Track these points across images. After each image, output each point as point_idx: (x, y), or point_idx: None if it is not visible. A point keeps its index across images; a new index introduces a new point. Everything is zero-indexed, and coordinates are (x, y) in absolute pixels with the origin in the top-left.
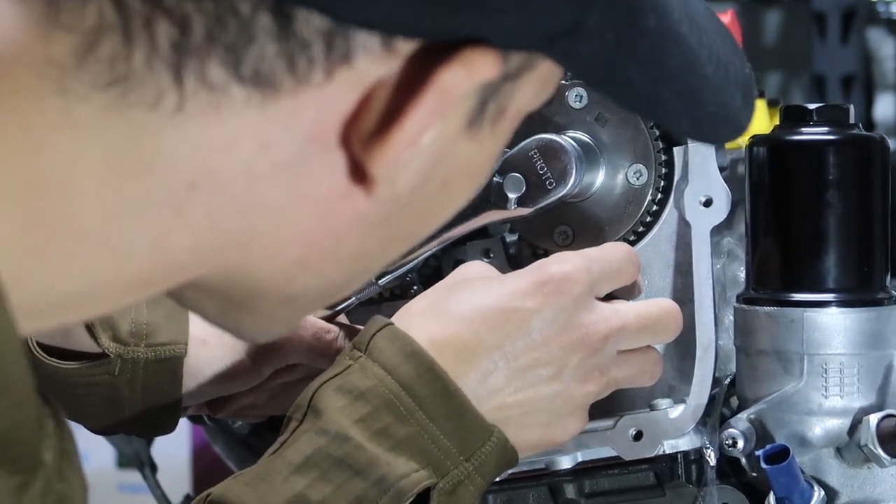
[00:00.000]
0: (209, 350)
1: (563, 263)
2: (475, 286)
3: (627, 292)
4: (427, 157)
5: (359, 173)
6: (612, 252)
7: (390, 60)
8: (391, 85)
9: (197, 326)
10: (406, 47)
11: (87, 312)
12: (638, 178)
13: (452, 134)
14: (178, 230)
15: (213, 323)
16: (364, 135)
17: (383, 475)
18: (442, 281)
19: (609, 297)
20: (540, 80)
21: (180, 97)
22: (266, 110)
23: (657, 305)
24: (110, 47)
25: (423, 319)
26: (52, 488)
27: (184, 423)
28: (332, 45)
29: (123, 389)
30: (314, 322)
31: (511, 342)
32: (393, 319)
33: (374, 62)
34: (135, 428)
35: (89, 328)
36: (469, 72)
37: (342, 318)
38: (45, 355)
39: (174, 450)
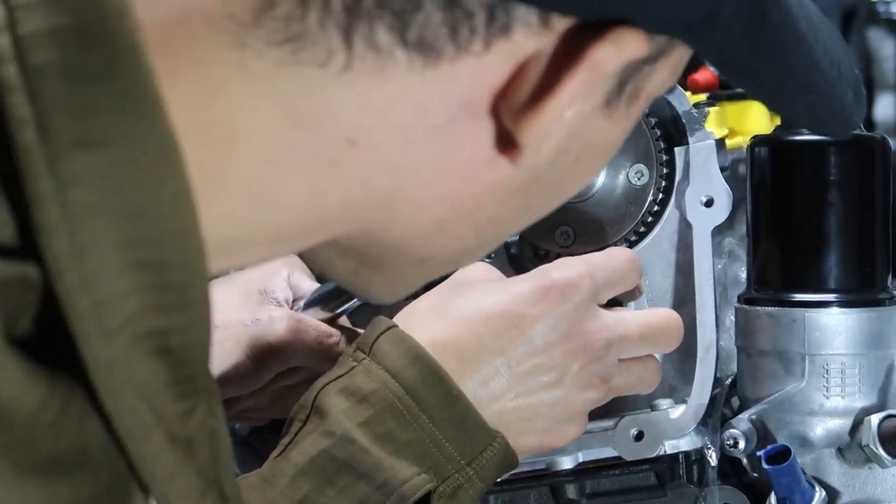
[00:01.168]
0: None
1: (566, 270)
2: (479, 288)
3: (629, 295)
4: (568, 130)
5: (505, 142)
6: (615, 258)
7: (545, 35)
8: (545, 59)
9: None
10: (561, 24)
11: (242, 259)
12: (639, 179)
13: (591, 111)
14: (333, 184)
15: (341, 281)
16: (515, 105)
17: (387, 479)
18: (445, 281)
19: (611, 300)
20: (672, 65)
21: (348, 57)
22: (426, 75)
23: (659, 315)
24: (287, 7)
25: (426, 320)
26: (207, 423)
27: None
28: (493, 17)
29: None
30: (316, 325)
31: (514, 347)
32: (396, 320)
33: (531, 36)
34: None
35: None
36: (619, 50)
37: (344, 322)
38: None
39: None
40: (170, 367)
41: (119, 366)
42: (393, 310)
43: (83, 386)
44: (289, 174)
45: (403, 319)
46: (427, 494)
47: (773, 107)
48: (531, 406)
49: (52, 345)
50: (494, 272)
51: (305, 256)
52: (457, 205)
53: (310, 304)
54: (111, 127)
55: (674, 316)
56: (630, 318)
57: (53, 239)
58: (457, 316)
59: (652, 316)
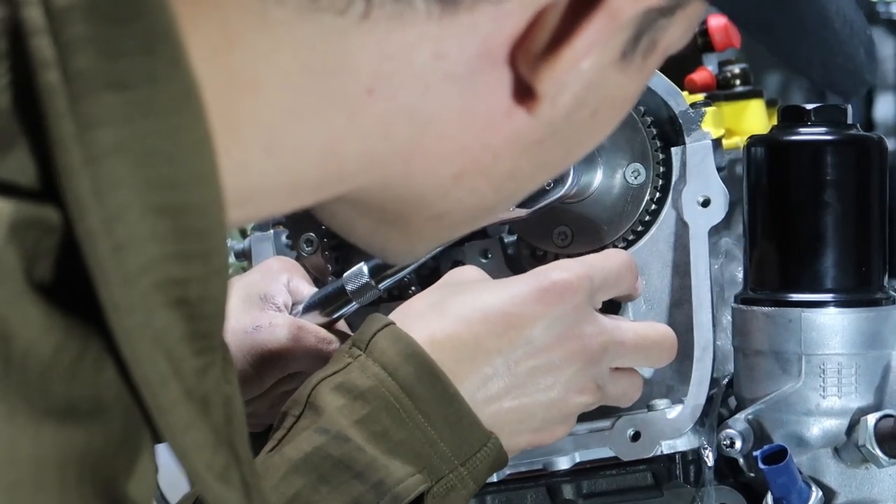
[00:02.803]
0: None
1: (565, 271)
2: (477, 288)
3: (626, 297)
4: (584, 81)
5: (522, 92)
6: (612, 259)
7: None
8: (562, 6)
9: None
10: None
11: (258, 210)
12: (636, 178)
13: (607, 63)
14: (351, 135)
15: (361, 241)
16: (533, 54)
17: (381, 479)
18: (438, 282)
19: (608, 302)
20: (688, 19)
21: (367, 5)
22: (444, 23)
23: (655, 329)
24: None
25: (424, 318)
26: (222, 387)
27: None
28: None
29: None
30: (316, 331)
31: (512, 349)
32: (392, 317)
33: None
34: None
35: None
36: None
37: (343, 326)
38: None
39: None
40: (187, 319)
41: (138, 311)
42: (389, 310)
43: (100, 334)
44: (308, 123)
45: (400, 317)
46: (420, 494)
47: (787, 62)
48: (526, 407)
49: (70, 291)
50: (486, 275)
51: (326, 217)
52: (475, 157)
53: (308, 309)
54: (134, 68)
55: (669, 333)
56: (627, 326)
57: (75, 180)
58: (454, 314)
59: (649, 328)
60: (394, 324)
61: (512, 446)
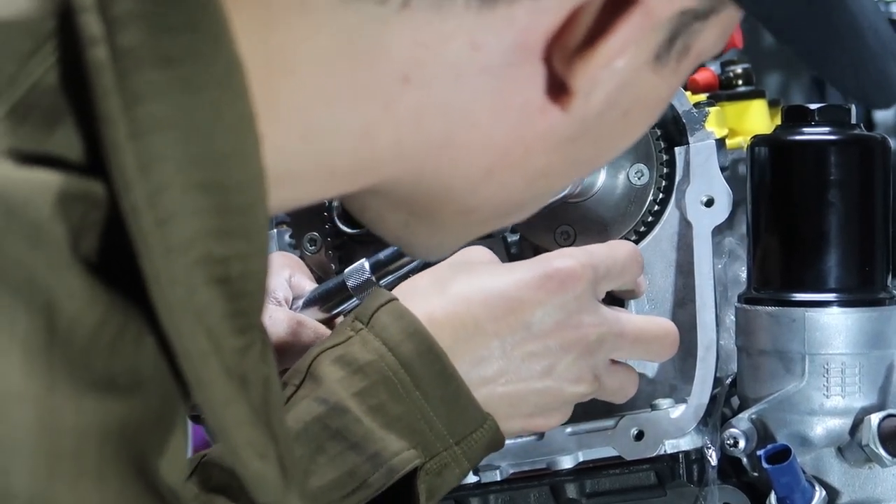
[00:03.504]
0: None
1: (568, 259)
2: (480, 270)
3: (629, 293)
4: (618, 80)
5: (556, 88)
6: (617, 250)
7: None
8: (599, 4)
9: None
10: None
11: (292, 195)
12: (639, 178)
13: (641, 63)
14: (385, 123)
15: (390, 235)
16: (568, 50)
17: (377, 451)
18: (446, 260)
19: (610, 296)
20: (723, 25)
21: None
22: (482, 14)
23: (657, 323)
24: None
25: (425, 295)
26: (260, 367)
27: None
28: None
29: None
30: (315, 327)
31: (510, 332)
32: (396, 293)
33: None
34: None
35: None
36: None
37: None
38: None
39: None
40: (227, 297)
41: (180, 286)
42: None
43: (141, 310)
44: (344, 109)
45: (403, 293)
46: (414, 470)
47: (821, 73)
48: (520, 393)
49: (112, 267)
50: (495, 257)
51: (357, 210)
52: (507, 152)
53: (308, 304)
54: (179, 45)
55: (671, 327)
56: (627, 318)
57: (121, 154)
58: (456, 294)
59: (650, 322)
60: (396, 300)
61: (505, 429)
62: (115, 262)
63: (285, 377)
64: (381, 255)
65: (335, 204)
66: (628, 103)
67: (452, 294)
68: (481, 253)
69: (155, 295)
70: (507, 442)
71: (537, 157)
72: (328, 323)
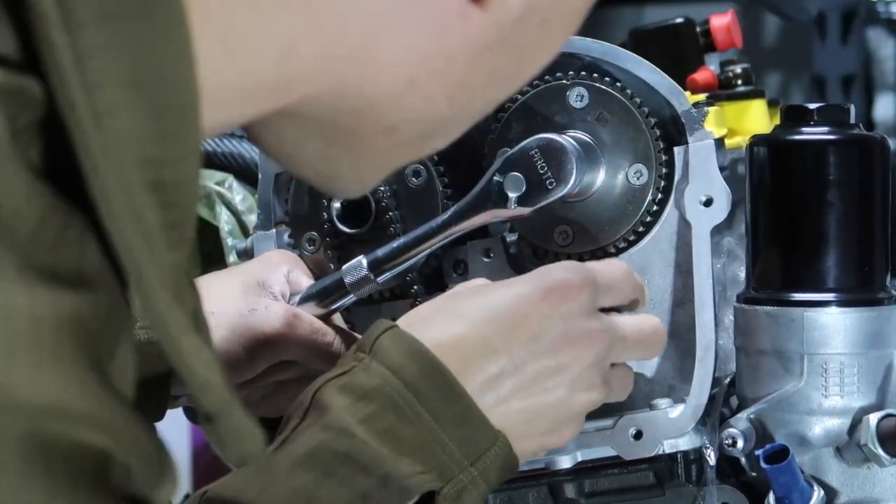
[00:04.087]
0: None
1: (569, 271)
2: (480, 290)
3: (633, 303)
4: None
5: None
6: (612, 266)
7: None
8: None
9: None
10: None
11: (211, 114)
12: (638, 178)
13: None
14: (308, 32)
15: (311, 171)
16: None
17: (388, 473)
18: (445, 292)
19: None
20: None
21: None
22: None
23: (649, 321)
24: None
25: (429, 322)
26: (190, 293)
27: (184, 423)
28: None
29: None
30: (311, 321)
31: (519, 348)
32: (398, 323)
33: None
34: None
35: None
36: None
37: (339, 321)
38: None
39: (174, 449)
40: (162, 205)
41: (119, 184)
42: (396, 311)
43: (83, 212)
44: (267, 20)
45: (406, 323)
46: (430, 495)
47: None
48: (535, 408)
49: (52, 168)
50: (490, 281)
51: (274, 143)
52: (427, 60)
53: (305, 299)
54: None
55: (659, 323)
56: (625, 321)
57: (56, 48)
58: (460, 316)
59: (643, 322)
60: (397, 326)
61: (522, 449)
62: (54, 164)
63: (288, 412)
64: (379, 252)
65: (335, 204)
66: (546, 10)
67: (456, 317)
68: (479, 279)
69: (95, 190)
70: None
71: (458, 66)
72: (325, 319)
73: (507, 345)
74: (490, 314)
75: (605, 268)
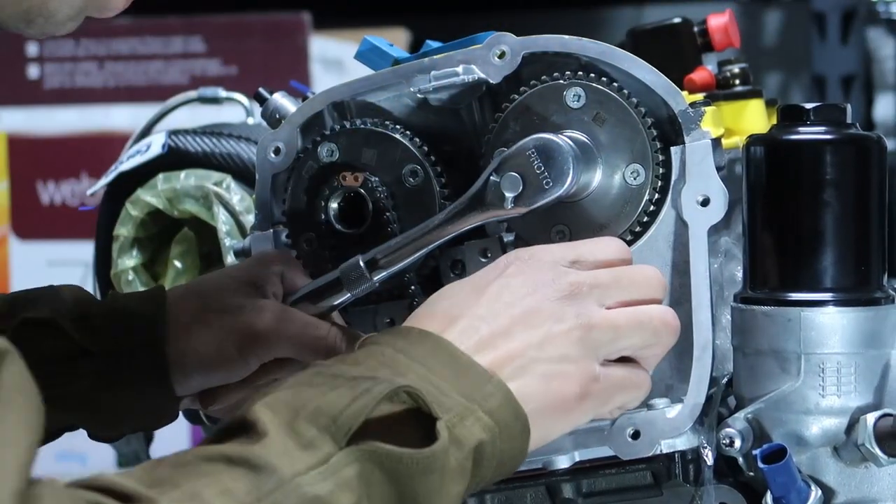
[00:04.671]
0: (194, 338)
1: (530, 249)
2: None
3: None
4: None
5: None
6: (602, 242)
7: None
8: None
9: (183, 315)
10: None
11: None
12: (635, 178)
13: None
14: None
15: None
16: None
17: (381, 379)
18: None
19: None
20: None
21: None
22: None
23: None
24: None
25: (405, 325)
26: None
27: (183, 424)
28: None
29: (111, 374)
30: (301, 316)
31: (488, 306)
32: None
33: None
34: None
35: (62, 331)
36: None
37: (337, 319)
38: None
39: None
40: None
41: None
42: (393, 312)
43: None
44: None
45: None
46: (432, 422)
47: None
48: (519, 350)
49: None
50: None
51: None
52: None
53: (300, 299)
54: None
55: (652, 269)
56: (606, 272)
57: None
58: (434, 304)
59: (629, 269)
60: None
61: (525, 394)
62: None
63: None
64: (376, 251)
65: (332, 204)
66: None
67: (431, 306)
68: None
69: None
70: None
71: None
72: (320, 318)
73: (474, 308)
74: (459, 292)
75: (592, 242)
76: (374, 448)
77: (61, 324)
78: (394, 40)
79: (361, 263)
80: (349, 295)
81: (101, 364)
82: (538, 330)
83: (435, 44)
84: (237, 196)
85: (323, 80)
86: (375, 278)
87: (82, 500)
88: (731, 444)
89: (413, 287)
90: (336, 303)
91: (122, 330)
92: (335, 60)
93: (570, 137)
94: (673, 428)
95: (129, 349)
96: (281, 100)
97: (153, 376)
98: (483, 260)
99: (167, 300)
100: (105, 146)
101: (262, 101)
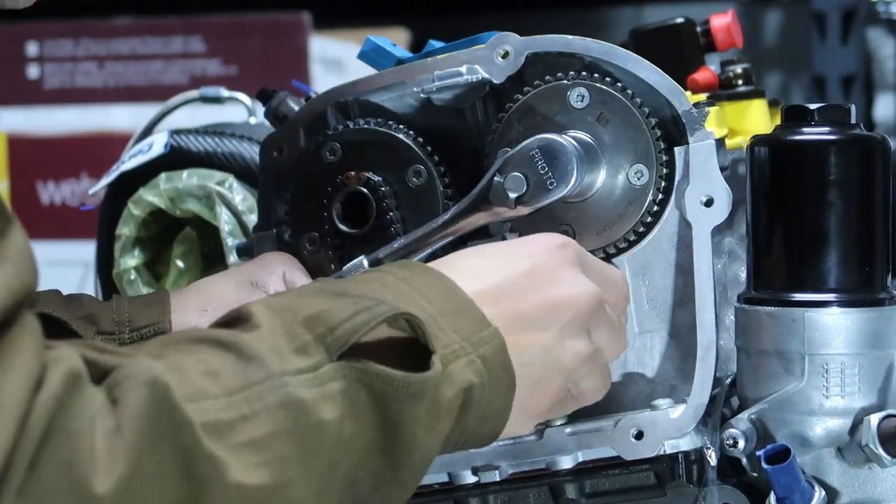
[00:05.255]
0: None
1: (569, 241)
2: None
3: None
4: None
5: None
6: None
7: None
8: None
9: (188, 316)
10: None
11: None
12: (639, 179)
13: None
14: None
15: None
16: None
17: (379, 300)
18: None
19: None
20: None
21: None
22: None
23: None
24: None
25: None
26: None
27: None
28: None
29: None
30: None
31: (516, 286)
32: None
33: None
34: None
35: (72, 329)
36: None
37: None
38: None
39: None
40: None
41: None
42: None
43: None
44: None
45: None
46: (427, 355)
47: None
48: (528, 345)
49: None
50: None
51: None
52: None
53: None
54: None
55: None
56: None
57: None
58: (453, 257)
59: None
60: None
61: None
62: None
63: None
64: (380, 252)
65: (335, 204)
66: None
67: (448, 260)
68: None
69: None
70: (507, 442)
71: None
72: None
73: (498, 280)
74: (483, 252)
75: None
76: (366, 367)
77: (66, 321)
78: (394, 40)
79: (365, 264)
80: None
81: None
82: (551, 334)
83: (438, 43)
84: (239, 196)
85: (323, 80)
86: None
87: (64, 344)
88: (735, 444)
89: None
90: None
91: (128, 335)
92: (335, 60)
93: (573, 137)
94: (676, 428)
95: None
96: (284, 99)
97: None
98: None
99: (171, 306)
100: (105, 146)
101: (265, 100)
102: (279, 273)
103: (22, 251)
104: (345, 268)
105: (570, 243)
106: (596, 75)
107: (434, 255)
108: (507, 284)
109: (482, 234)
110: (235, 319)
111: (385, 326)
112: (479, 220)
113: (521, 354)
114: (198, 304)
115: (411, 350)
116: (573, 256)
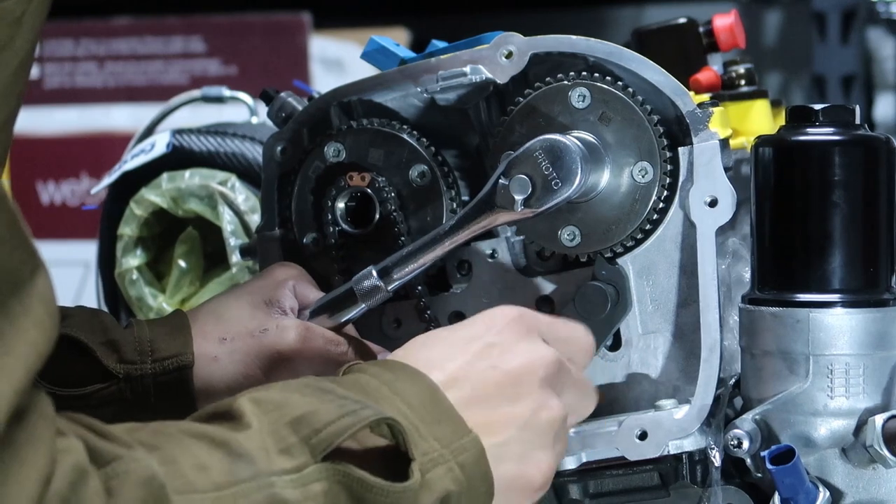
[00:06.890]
0: (221, 367)
1: (519, 309)
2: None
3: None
4: None
5: None
6: (577, 328)
7: None
8: None
9: (208, 345)
10: None
11: None
12: (643, 176)
13: None
14: None
15: None
16: None
17: (367, 405)
18: None
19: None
20: None
21: None
22: None
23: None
24: None
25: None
26: None
27: None
28: None
29: (136, 405)
30: (324, 333)
31: (474, 368)
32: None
33: None
34: None
35: (95, 356)
36: None
37: (350, 330)
38: (53, 386)
39: None
40: None
41: None
42: (400, 312)
43: None
44: None
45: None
46: (406, 461)
47: None
48: (502, 424)
49: None
50: None
51: None
52: None
53: (316, 313)
54: None
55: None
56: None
57: None
58: (414, 347)
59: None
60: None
61: (498, 475)
62: None
63: None
64: (389, 261)
65: (339, 204)
66: None
67: (409, 350)
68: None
69: None
70: None
71: None
72: (336, 331)
73: (460, 367)
74: (447, 344)
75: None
76: (348, 470)
77: (91, 347)
78: (394, 40)
79: (374, 273)
80: (364, 306)
81: (126, 391)
82: (522, 406)
83: (441, 43)
84: (242, 195)
85: (323, 80)
86: (389, 288)
87: (70, 429)
88: (739, 445)
89: (419, 287)
90: (351, 315)
91: (150, 366)
92: (335, 60)
93: (577, 137)
94: (680, 429)
95: (156, 386)
96: (287, 99)
97: (178, 410)
98: (490, 261)
99: (192, 335)
100: (105, 146)
101: (268, 100)
102: (290, 287)
103: (48, 306)
104: (354, 278)
105: (525, 313)
106: (597, 75)
107: (441, 261)
108: (487, 392)
109: (486, 235)
110: (227, 414)
111: (366, 430)
112: (486, 223)
113: (503, 471)
114: (217, 332)
115: (392, 453)
116: (528, 325)
